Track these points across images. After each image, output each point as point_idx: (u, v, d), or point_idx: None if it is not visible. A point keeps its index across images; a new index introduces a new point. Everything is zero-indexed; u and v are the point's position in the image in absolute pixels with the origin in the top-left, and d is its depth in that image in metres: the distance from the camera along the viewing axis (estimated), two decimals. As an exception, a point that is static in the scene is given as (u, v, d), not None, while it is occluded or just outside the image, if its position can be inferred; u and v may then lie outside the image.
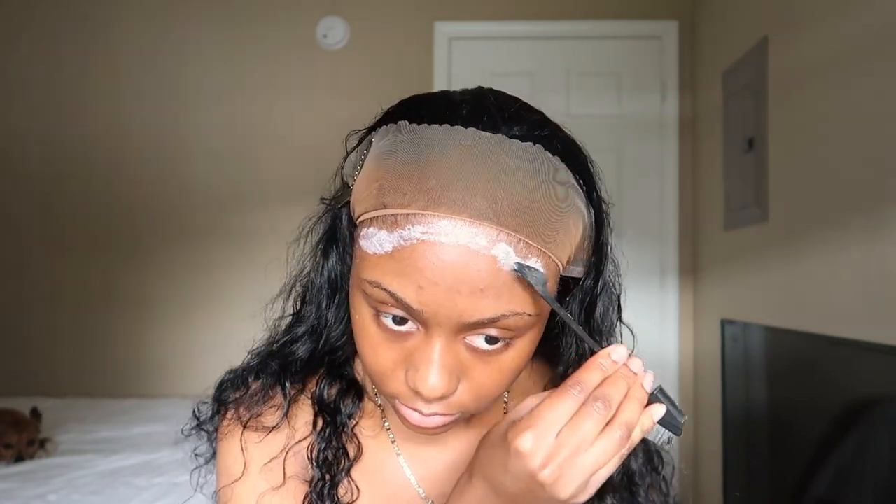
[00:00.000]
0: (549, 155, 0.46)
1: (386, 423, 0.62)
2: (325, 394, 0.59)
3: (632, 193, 2.81)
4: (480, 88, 0.52)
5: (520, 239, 0.44)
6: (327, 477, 0.57)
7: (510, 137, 0.46)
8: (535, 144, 0.46)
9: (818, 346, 1.74)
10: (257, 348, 0.62)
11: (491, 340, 0.47)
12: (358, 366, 0.63)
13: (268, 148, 2.87)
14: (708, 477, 2.57)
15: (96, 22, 2.92)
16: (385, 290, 0.45)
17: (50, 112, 2.92)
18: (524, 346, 0.49)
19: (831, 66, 1.67)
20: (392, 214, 0.45)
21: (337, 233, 0.57)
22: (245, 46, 2.89)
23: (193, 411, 0.64)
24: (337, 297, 0.58)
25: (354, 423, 0.60)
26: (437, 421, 0.50)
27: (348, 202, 0.53)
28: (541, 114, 0.51)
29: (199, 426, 0.63)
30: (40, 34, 2.92)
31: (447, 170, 0.44)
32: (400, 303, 0.45)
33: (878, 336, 1.44)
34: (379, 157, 0.47)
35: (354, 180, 0.51)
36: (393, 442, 0.61)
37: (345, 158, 0.55)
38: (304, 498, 0.57)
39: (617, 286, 0.57)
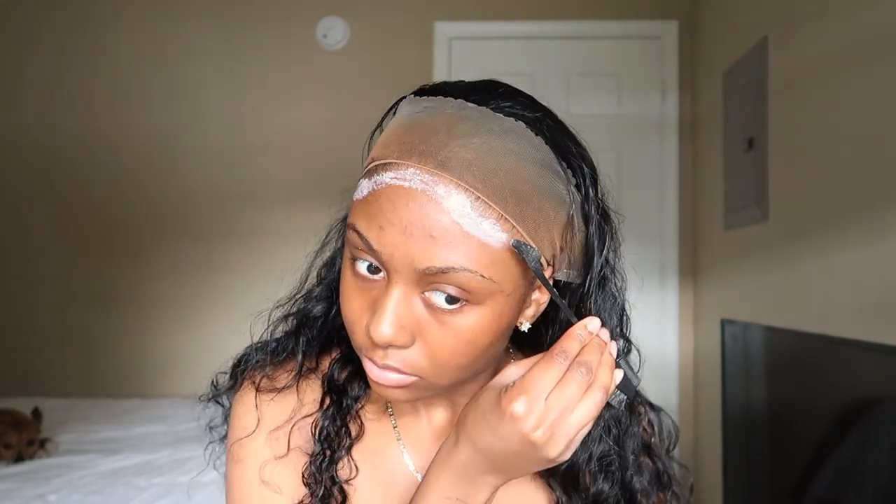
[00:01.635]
0: (532, 134, 0.49)
1: (389, 410, 0.63)
2: (336, 375, 0.62)
3: (632, 193, 2.81)
4: (494, 81, 0.54)
5: (478, 197, 0.46)
6: (327, 452, 0.59)
7: (495, 111, 0.49)
8: (517, 121, 0.49)
9: (818, 346, 1.74)
10: (277, 307, 0.66)
11: (449, 301, 0.48)
12: None
13: (268, 147, 2.87)
14: (708, 477, 2.57)
15: (100, 22, 2.93)
16: (356, 231, 0.49)
17: (55, 114, 2.92)
18: (483, 315, 0.49)
19: (831, 66, 1.67)
20: (374, 165, 0.50)
21: None
22: (245, 46, 2.90)
23: (212, 381, 0.66)
24: None
25: (360, 406, 0.62)
26: (392, 378, 0.51)
27: None
28: (540, 104, 0.53)
29: (217, 396, 0.66)
30: (46, 38, 2.92)
31: (426, 129, 0.48)
32: (365, 243, 0.48)
33: (878, 336, 1.44)
34: (386, 128, 0.53)
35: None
36: (395, 427, 0.63)
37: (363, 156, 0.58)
38: (304, 470, 0.59)
39: (620, 297, 0.57)
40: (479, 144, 0.47)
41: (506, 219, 0.47)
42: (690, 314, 2.79)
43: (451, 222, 0.46)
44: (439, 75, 2.82)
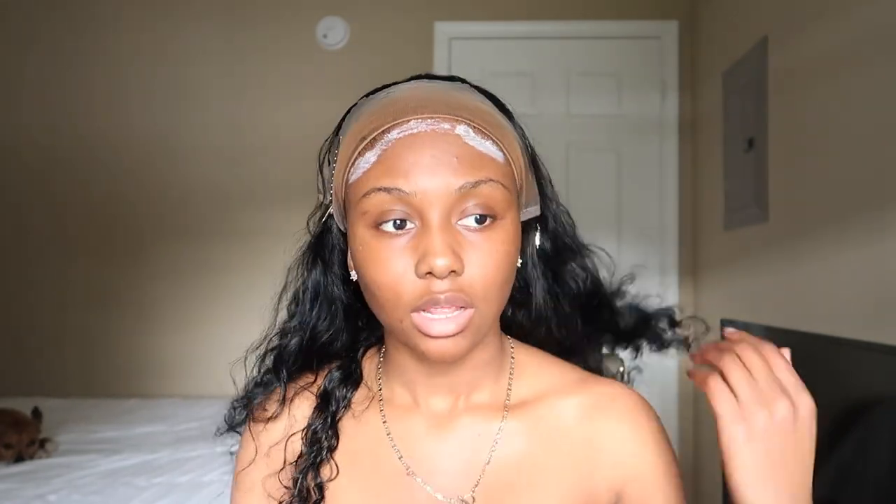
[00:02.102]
0: (475, 90, 0.60)
1: (381, 408, 0.65)
2: (328, 384, 0.66)
3: (632, 193, 2.81)
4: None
5: (475, 125, 0.55)
6: (310, 455, 0.62)
7: (443, 80, 0.60)
8: (464, 83, 0.60)
9: (818, 346, 1.74)
10: (256, 348, 0.69)
11: (480, 220, 0.54)
12: (366, 360, 0.68)
13: (268, 148, 2.87)
14: (708, 477, 2.57)
15: (100, 22, 2.93)
16: (380, 188, 0.53)
17: (55, 114, 2.92)
18: (508, 227, 0.55)
19: (831, 66, 1.67)
20: (371, 137, 0.54)
21: (322, 244, 0.64)
22: (245, 46, 2.90)
23: (225, 416, 0.70)
24: (318, 299, 0.66)
25: (343, 410, 0.65)
26: (456, 323, 0.53)
27: (331, 214, 0.61)
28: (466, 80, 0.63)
29: (232, 429, 0.70)
30: (46, 38, 2.92)
31: (405, 96, 0.56)
32: (394, 193, 0.52)
33: (878, 336, 1.44)
34: (350, 127, 0.57)
35: (331, 191, 0.59)
36: (385, 423, 0.64)
37: (319, 174, 0.63)
38: (289, 476, 0.63)
39: (566, 217, 0.68)
40: (453, 94, 0.57)
41: (495, 140, 0.55)
42: (690, 314, 2.78)
43: (465, 144, 0.53)
44: (439, 75, 2.82)
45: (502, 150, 0.56)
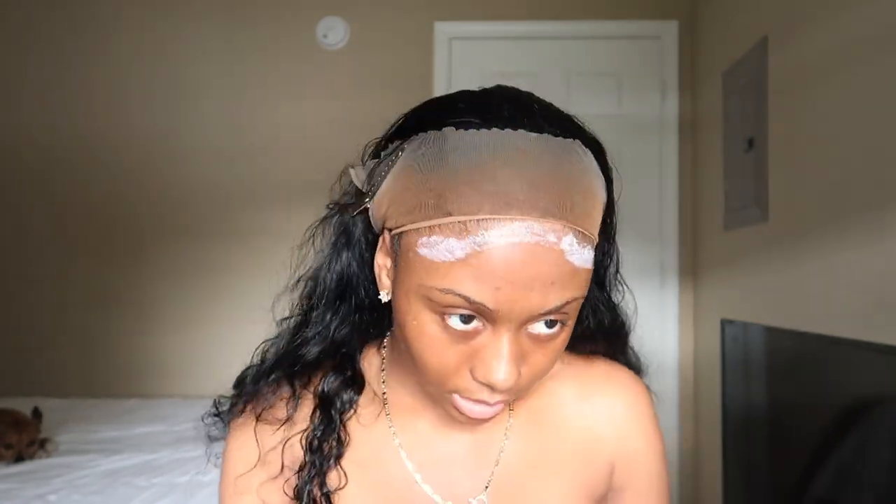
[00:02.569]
0: (585, 149, 0.50)
1: (387, 413, 0.63)
2: (328, 387, 0.62)
3: (632, 193, 2.77)
4: (505, 88, 0.54)
5: (579, 230, 0.48)
6: (316, 463, 0.59)
7: (553, 136, 0.49)
8: (574, 140, 0.50)
9: (818, 346, 1.74)
10: (268, 348, 0.65)
11: (550, 324, 0.50)
12: (365, 359, 0.65)
13: (268, 148, 2.87)
14: (708, 477, 2.57)
15: (100, 23, 2.93)
16: (460, 295, 0.47)
17: (55, 114, 2.92)
18: (571, 325, 0.52)
19: (831, 66, 1.67)
20: (461, 221, 0.46)
21: (350, 241, 0.59)
22: (245, 47, 2.90)
23: (214, 402, 0.67)
24: (345, 303, 0.61)
25: (350, 413, 0.62)
26: (496, 410, 0.52)
27: (365, 209, 0.55)
28: (559, 109, 0.55)
29: (219, 416, 0.66)
30: (46, 38, 2.93)
31: (507, 172, 0.46)
32: (475, 305, 0.47)
33: (878, 336, 1.44)
34: (425, 166, 0.48)
35: (374, 189, 0.53)
36: (391, 428, 0.62)
37: (363, 163, 0.56)
38: (291, 482, 0.60)
39: (617, 254, 0.63)
40: (562, 177, 0.47)
41: (593, 243, 0.50)
42: (690, 314, 2.79)
43: (566, 262, 0.47)
44: (439, 75, 2.82)
45: (594, 249, 0.51)
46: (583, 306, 0.61)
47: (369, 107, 2.71)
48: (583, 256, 0.48)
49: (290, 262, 0.63)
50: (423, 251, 0.48)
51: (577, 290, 0.49)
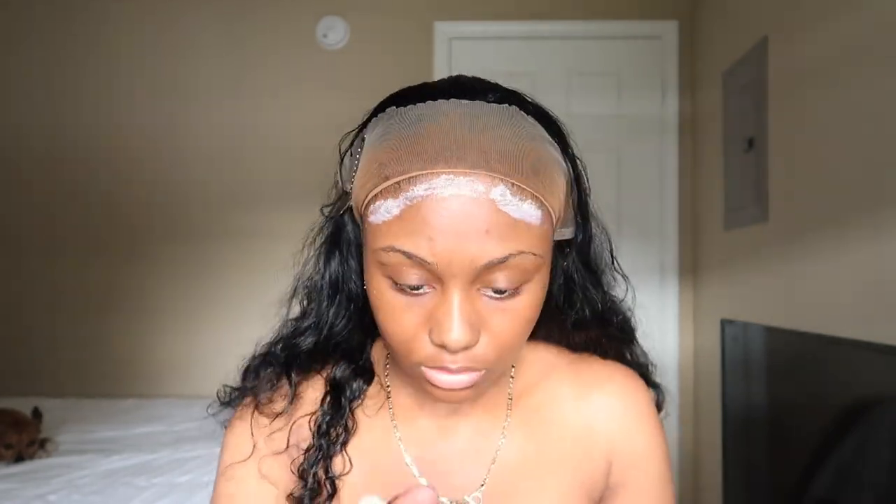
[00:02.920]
0: (524, 114, 0.52)
1: (390, 406, 0.64)
2: (338, 374, 0.63)
3: (632, 193, 2.81)
4: (456, 75, 0.57)
5: (512, 183, 0.48)
6: (323, 446, 0.61)
7: (488, 103, 0.51)
8: (510, 105, 0.51)
9: (818, 346, 1.74)
10: (267, 342, 0.67)
11: (499, 291, 0.50)
12: (374, 352, 0.67)
13: (268, 148, 2.87)
14: (708, 477, 2.57)
15: (99, 23, 2.92)
16: (399, 250, 0.49)
17: (48, 113, 2.92)
18: (535, 291, 0.52)
19: (831, 66, 1.67)
20: (395, 182, 0.49)
21: (340, 238, 0.61)
22: (245, 46, 2.89)
23: (217, 393, 0.68)
24: (338, 296, 0.62)
25: (358, 403, 0.63)
26: (465, 380, 0.52)
27: (350, 207, 0.57)
28: (502, 86, 0.56)
29: (225, 405, 0.67)
30: (43, 38, 2.92)
31: (437, 134, 0.49)
32: (414, 259, 0.48)
33: (878, 336, 1.44)
34: (374, 144, 0.52)
35: (353, 183, 0.55)
36: (393, 422, 0.64)
37: (340, 163, 0.58)
38: (297, 463, 0.61)
39: (605, 237, 0.64)
40: (495, 134, 0.49)
41: (535, 196, 0.49)
42: (690, 314, 2.79)
43: (498, 212, 0.48)
44: (439, 75, 2.81)
45: (541, 207, 0.50)
46: (572, 290, 0.63)
47: (369, 107, 2.69)
48: (522, 209, 0.48)
49: (294, 264, 0.65)
50: (370, 218, 0.51)
51: (520, 244, 0.49)
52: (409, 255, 0.48)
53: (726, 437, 2.36)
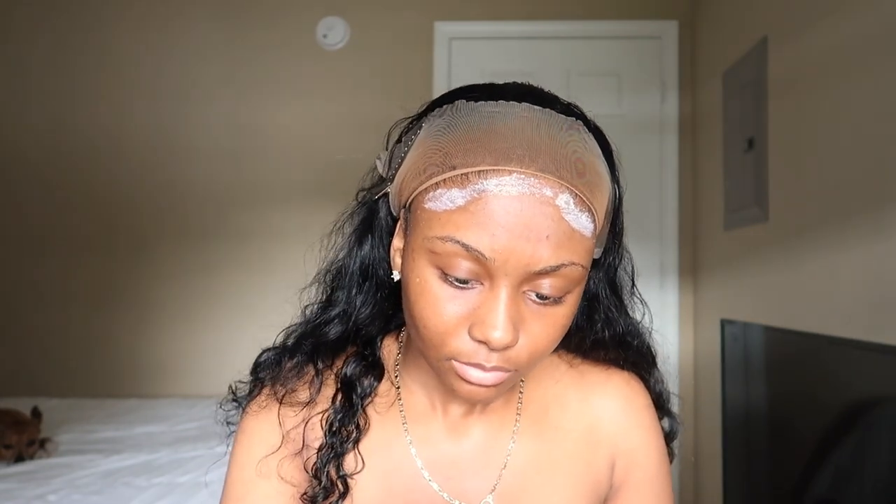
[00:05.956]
0: (586, 129, 0.53)
1: (401, 405, 0.64)
2: (349, 371, 0.63)
3: (632, 193, 2.77)
4: (519, 82, 0.58)
5: (576, 193, 0.49)
6: (335, 445, 0.60)
7: (557, 113, 0.52)
8: (576, 119, 0.53)
9: (818, 346, 1.74)
10: (291, 329, 0.66)
11: (542, 297, 0.51)
12: (384, 348, 0.66)
13: (268, 148, 2.87)
14: (708, 477, 2.57)
15: (102, 22, 2.92)
16: (458, 241, 0.48)
17: (57, 113, 2.92)
18: (573, 302, 0.53)
19: (831, 66, 1.67)
20: (463, 173, 0.49)
21: (373, 224, 0.61)
22: (245, 46, 2.90)
23: (230, 387, 0.67)
24: (367, 283, 0.62)
25: (369, 401, 0.63)
26: (494, 378, 0.52)
27: (386, 193, 0.57)
28: (566, 100, 0.57)
29: (236, 400, 0.67)
30: (48, 37, 2.93)
31: (510, 133, 0.49)
32: (472, 252, 0.48)
33: (878, 336, 1.44)
34: (436, 134, 0.52)
35: (394, 171, 0.55)
36: (404, 424, 0.63)
37: (386, 148, 0.59)
38: (310, 462, 0.61)
39: (629, 261, 0.65)
40: (563, 143, 0.50)
41: (592, 210, 0.50)
42: (690, 314, 2.79)
43: (561, 220, 0.48)
44: (439, 75, 2.82)
45: (593, 221, 0.51)
46: (595, 310, 0.63)
47: (369, 107, 2.72)
48: (580, 220, 0.49)
49: (318, 251, 0.64)
50: (428, 205, 0.51)
51: (573, 255, 0.49)
52: (467, 248, 0.48)
53: (726, 436, 2.36)
